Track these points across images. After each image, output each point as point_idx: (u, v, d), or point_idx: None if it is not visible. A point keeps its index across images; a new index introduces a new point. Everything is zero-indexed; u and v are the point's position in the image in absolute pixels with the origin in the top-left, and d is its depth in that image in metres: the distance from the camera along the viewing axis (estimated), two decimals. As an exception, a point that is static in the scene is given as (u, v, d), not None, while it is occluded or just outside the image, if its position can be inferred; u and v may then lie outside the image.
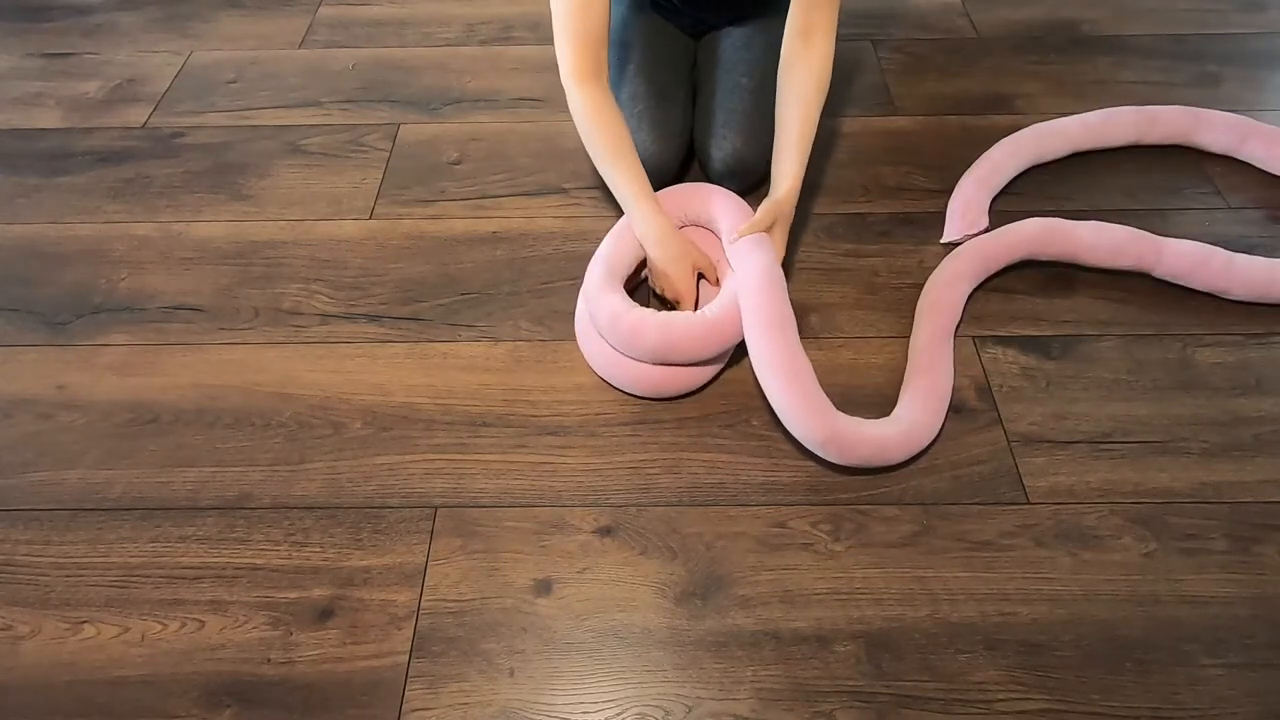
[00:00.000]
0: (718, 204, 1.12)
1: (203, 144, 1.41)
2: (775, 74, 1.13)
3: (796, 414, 0.92)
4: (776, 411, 0.95)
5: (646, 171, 1.23)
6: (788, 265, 1.18)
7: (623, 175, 1.09)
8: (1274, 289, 1.10)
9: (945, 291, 1.10)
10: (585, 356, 1.07)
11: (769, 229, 1.06)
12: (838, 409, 0.95)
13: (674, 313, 1.00)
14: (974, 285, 1.13)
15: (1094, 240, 1.13)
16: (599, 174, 1.25)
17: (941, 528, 0.92)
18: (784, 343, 0.94)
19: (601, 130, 1.08)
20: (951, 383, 1.03)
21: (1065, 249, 1.14)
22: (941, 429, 1.00)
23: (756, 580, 0.88)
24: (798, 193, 1.09)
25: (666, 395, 1.03)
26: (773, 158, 1.11)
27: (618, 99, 1.23)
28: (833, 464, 0.97)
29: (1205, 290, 1.12)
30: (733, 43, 1.30)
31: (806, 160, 1.09)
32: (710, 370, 1.03)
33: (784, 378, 0.93)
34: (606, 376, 1.04)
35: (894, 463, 0.96)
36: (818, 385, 0.94)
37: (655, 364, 1.00)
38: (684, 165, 1.30)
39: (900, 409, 0.99)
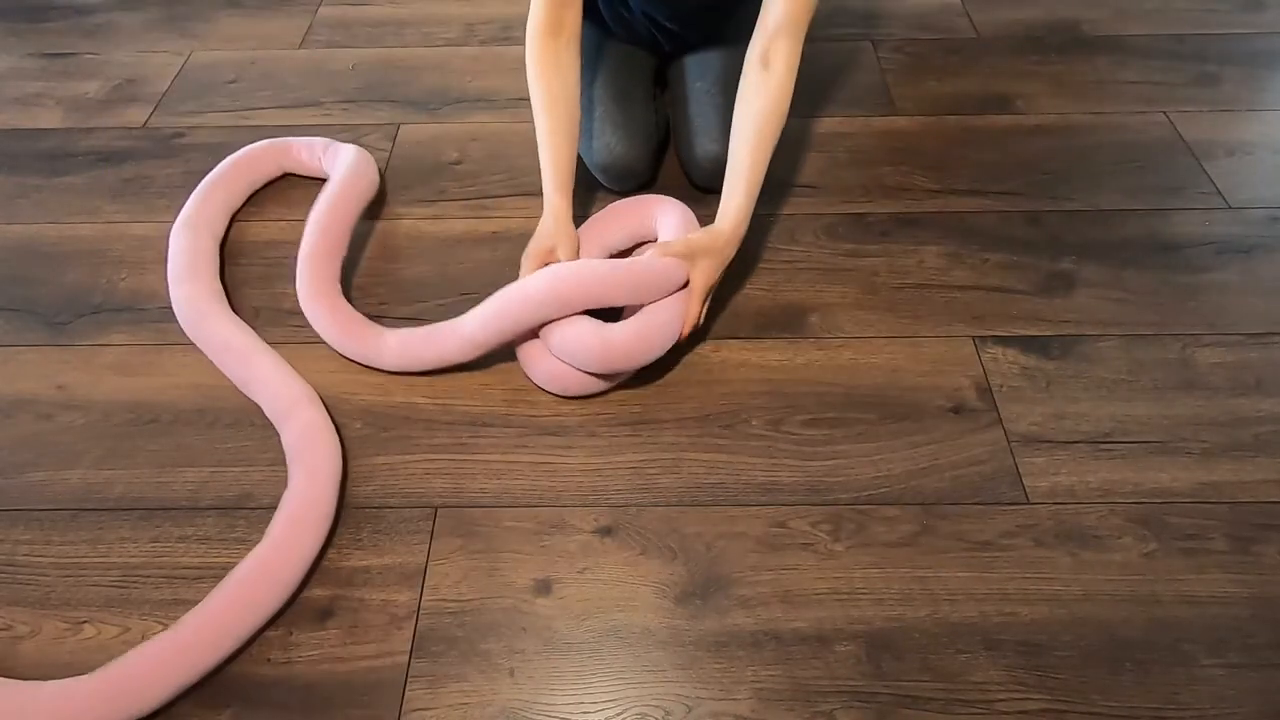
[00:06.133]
0: (662, 220, 1.10)
1: (203, 144, 1.41)
2: (739, 79, 1.09)
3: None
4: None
5: (616, 173, 1.23)
6: (788, 267, 1.18)
7: (543, 137, 1.07)
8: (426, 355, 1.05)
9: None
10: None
11: (692, 261, 1.00)
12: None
13: (611, 324, 0.98)
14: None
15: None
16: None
17: (941, 528, 0.92)
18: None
19: (539, 84, 1.07)
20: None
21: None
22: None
23: (756, 580, 0.88)
24: (741, 234, 1.04)
25: (571, 394, 1.03)
26: (723, 191, 1.05)
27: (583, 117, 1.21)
28: (832, 464, 0.97)
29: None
30: (696, 59, 1.30)
31: (755, 197, 1.04)
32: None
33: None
34: (528, 372, 1.05)
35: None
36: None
37: (589, 372, 0.99)
38: (655, 170, 1.30)
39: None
